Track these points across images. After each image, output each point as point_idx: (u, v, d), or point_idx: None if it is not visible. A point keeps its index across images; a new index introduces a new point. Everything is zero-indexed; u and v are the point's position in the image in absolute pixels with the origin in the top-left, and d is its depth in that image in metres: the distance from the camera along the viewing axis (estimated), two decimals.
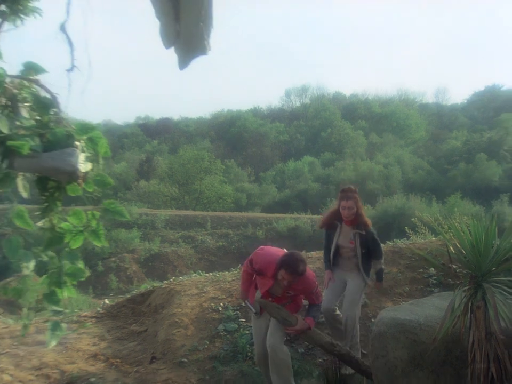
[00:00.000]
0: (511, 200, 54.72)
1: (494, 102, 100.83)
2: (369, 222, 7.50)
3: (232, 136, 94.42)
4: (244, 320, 8.52)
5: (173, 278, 11.19)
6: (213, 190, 70.25)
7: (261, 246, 6.85)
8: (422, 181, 71.56)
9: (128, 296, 10.90)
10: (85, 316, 9.88)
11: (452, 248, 5.50)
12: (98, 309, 10.39)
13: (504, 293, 4.99)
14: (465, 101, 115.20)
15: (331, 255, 7.63)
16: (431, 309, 6.43)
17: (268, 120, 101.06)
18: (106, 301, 10.94)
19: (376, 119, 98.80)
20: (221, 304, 8.90)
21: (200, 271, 11.55)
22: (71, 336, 9.10)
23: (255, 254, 6.59)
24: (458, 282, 5.78)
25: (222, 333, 8.23)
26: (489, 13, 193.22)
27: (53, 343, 3.47)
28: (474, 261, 5.18)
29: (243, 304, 8.39)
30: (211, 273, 10.67)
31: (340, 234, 7.54)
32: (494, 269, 5.19)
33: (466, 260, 5.30)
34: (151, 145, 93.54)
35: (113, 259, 46.46)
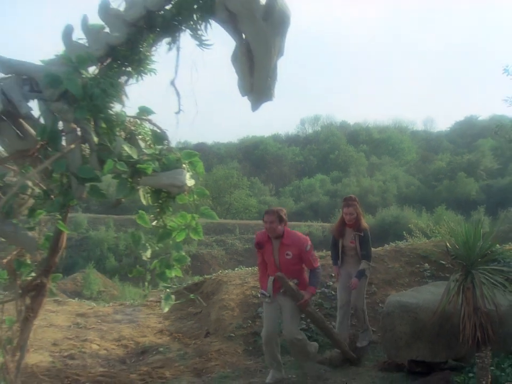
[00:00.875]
0: (486, 211, 54.44)
1: (472, 130, 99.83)
2: (366, 225, 7.59)
3: (256, 158, 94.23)
4: None
5: (220, 271, 11.30)
6: (240, 202, 70.29)
7: None
8: (413, 194, 71.06)
9: (185, 285, 11.13)
10: (151, 301, 10.19)
11: (448, 244, 5.86)
12: (161, 296, 10.65)
13: (488, 278, 5.31)
14: (448, 129, 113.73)
15: (339, 254, 7.67)
16: (427, 294, 6.73)
17: (285, 144, 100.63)
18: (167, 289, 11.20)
19: (375, 144, 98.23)
20: (260, 291, 9.16)
21: (241, 266, 11.80)
22: (141, 316, 9.50)
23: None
24: (453, 269, 6.14)
25: (261, 314, 8.26)
26: (467, 54, 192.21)
27: (166, 308, 3.92)
28: (466, 253, 5.41)
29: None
30: (250, 268, 10.74)
31: (344, 236, 7.63)
32: (479, 260, 5.50)
33: (459, 253, 5.63)
34: None
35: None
